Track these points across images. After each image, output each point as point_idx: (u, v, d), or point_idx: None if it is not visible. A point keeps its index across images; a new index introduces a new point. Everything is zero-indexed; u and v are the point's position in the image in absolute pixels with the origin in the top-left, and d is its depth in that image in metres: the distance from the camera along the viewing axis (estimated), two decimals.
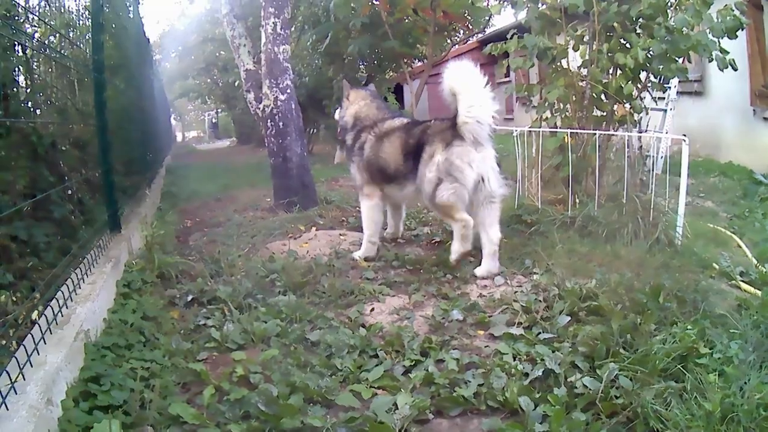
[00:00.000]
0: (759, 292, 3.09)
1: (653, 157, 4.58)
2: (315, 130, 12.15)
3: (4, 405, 1.60)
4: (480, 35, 14.21)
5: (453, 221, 3.48)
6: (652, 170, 4.50)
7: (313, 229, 4.65)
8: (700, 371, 2.03)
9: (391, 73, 12.05)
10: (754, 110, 8.71)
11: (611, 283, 2.89)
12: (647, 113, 4.60)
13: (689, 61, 7.07)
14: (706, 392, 1.94)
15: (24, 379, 1.75)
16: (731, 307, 2.81)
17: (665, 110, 7.31)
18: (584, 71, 4.53)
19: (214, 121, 32.75)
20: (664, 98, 7.74)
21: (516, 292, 3.02)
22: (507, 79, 14.77)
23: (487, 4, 11.53)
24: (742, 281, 3.43)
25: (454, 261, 3.52)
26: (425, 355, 2.32)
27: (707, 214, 5.51)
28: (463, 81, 3.40)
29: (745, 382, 2.06)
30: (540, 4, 4.59)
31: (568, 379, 2.05)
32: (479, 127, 3.37)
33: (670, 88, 7.69)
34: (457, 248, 3.49)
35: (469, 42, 15.17)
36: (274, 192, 5.70)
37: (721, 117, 9.39)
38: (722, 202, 5.96)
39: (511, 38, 4.62)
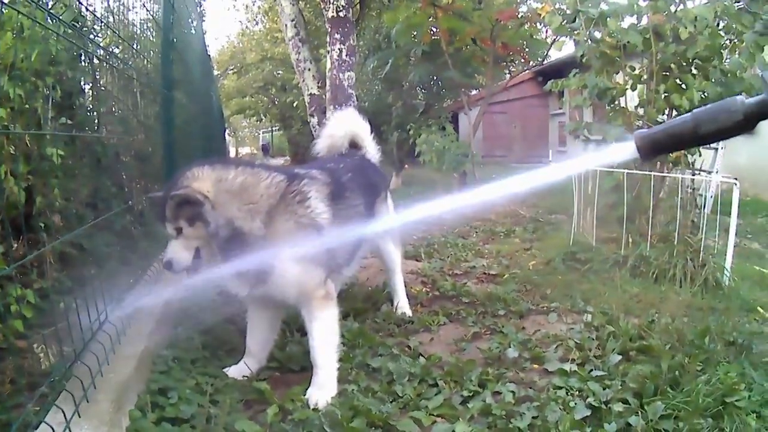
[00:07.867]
0: None
1: (704, 197, 4.47)
2: None
3: (77, 413, 1.62)
4: (536, 67, 14.08)
5: None
6: (703, 210, 4.38)
7: None
8: (738, 413, 2.00)
9: (449, 102, 12.02)
10: None
11: (661, 323, 2.89)
12: (700, 154, 4.54)
13: None
14: None
15: (95, 388, 1.77)
16: None
17: (716, 149, 7.06)
18: (641, 111, 4.50)
19: (263, 143, 33.71)
20: None
21: (570, 329, 3.00)
22: (560, 111, 14.44)
23: (545, 37, 11.49)
24: None
25: None
26: (483, 387, 2.33)
27: (754, 255, 5.34)
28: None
29: None
30: (599, 44, 4.55)
31: (618, 416, 2.03)
32: None
33: None
34: None
35: (524, 72, 15.02)
36: None
37: None
38: None
39: (573, 76, 4.68)
